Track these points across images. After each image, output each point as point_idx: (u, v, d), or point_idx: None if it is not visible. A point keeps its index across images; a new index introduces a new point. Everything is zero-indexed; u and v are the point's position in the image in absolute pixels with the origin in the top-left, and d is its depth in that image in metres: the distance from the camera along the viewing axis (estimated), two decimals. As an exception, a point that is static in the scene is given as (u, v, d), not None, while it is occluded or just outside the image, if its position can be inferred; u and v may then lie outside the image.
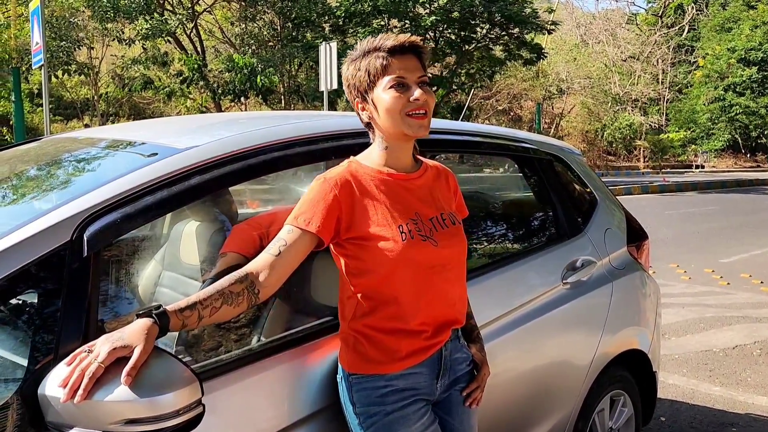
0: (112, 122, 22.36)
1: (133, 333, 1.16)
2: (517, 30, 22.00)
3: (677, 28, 40.25)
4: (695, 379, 4.26)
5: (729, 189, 21.87)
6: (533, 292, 2.23)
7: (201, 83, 18.42)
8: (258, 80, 17.29)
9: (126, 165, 1.52)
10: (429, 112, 1.49)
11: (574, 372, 2.39)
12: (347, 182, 1.48)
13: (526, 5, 21.77)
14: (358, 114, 1.56)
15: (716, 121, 34.22)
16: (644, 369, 2.81)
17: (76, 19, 19.80)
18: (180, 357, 1.20)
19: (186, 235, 2.33)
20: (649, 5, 44.68)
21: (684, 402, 3.89)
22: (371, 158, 1.56)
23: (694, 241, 9.96)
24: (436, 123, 2.35)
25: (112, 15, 17.05)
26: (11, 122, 13.23)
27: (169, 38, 18.63)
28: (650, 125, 34.73)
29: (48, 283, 1.24)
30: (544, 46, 24.35)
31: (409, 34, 1.51)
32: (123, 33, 18.91)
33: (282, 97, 20.68)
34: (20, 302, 1.23)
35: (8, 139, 16.76)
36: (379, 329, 1.49)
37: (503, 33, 22.28)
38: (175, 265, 2.34)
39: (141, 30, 17.67)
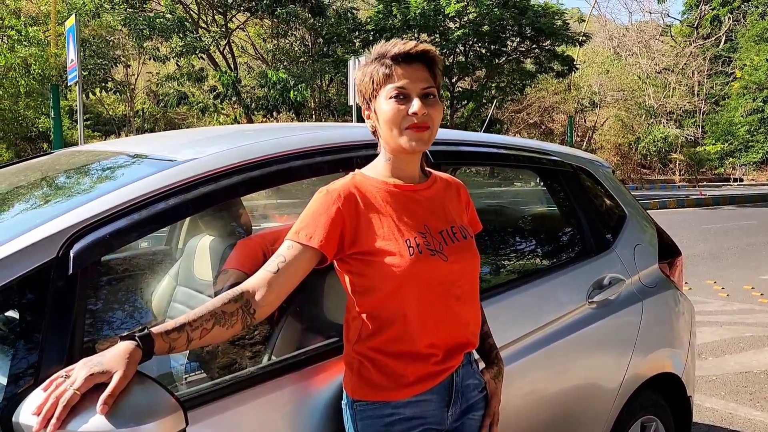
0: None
1: (113, 357, 1.08)
2: (548, 42, 21.82)
3: (713, 39, 39.46)
4: (734, 402, 4.05)
5: (770, 202, 21.20)
6: (557, 311, 2.11)
7: (234, 99, 18.67)
8: (291, 95, 17.44)
9: (122, 178, 1.46)
10: (432, 126, 1.39)
11: (602, 396, 2.25)
12: (351, 195, 1.40)
13: (556, 17, 21.59)
14: (366, 122, 1.48)
15: (755, 133, 33.35)
16: (678, 393, 2.65)
17: (113, 38, 20.29)
18: (164, 383, 1.12)
19: (200, 250, 2.28)
20: (684, 16, 43.94)
21: (722, 427, 3.69)
22: (376, 170, 1.48)
23: (733, 256, 9.61)
24: (458, 135, 2.26)
25: (147, 33, 17.39)
26: (51, 138, 13.53)
27: (203, 55, 18.94)
28: (686, 138, 34.01)
29: (31, 302, 1.18)
30: (575, 59, 24.07)
31: (418, 42, 1.41)
32: (158, 50, 19.31)
33: (313, 112, 20.82)
34: (0, 322, 1.17)
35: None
36: (384, 352, 1.39)
37: (534, 46, 22.12)
38: (189, 280, 2.29)
39: (176, 48, 18.02)
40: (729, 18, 38.84)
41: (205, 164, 1.49)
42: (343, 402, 1.46)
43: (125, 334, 1.13)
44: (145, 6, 18.07)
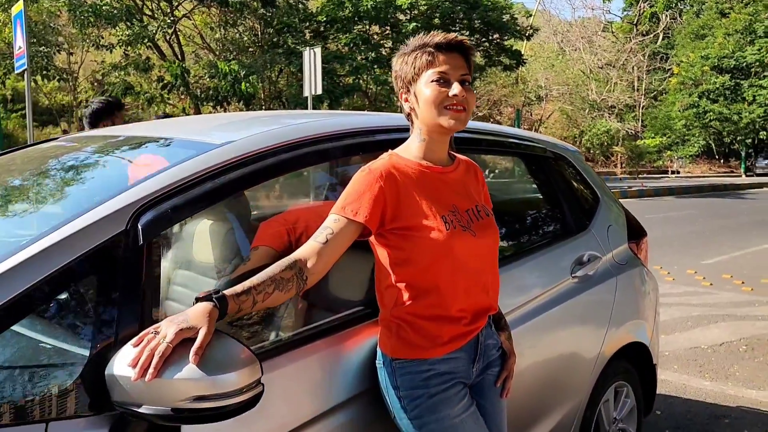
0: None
1: (196, 315, 1.20)
2: (496, 36, 22.27)
3: (652, 35, 40.99)
4: (686, 374, 4.38)
5: (705, 193, 22.31)
6: (546, 284, 2.31)
7: (182, 89, 18.35)
8: (243, 86, 17.27)
9: (169, 159, 1.56)
10: (468, 109, 1.55)
11: (584, 363, 2.47)
12: (391, 174, 1.53)
13: (505, 12, 22.06)
14: (401, 105, 1.62)
15: (691, 127, 34.83)
16: (645, 361, 2.90)
17: (55, 24, 19.61)
18: (240, 339, 1.24)
19: (199, 234, 2.36)
20: (624, 13, 45.43)
21: (677, 396, 4.00)
22: (410, 151, 1.62)
23: (676, 243, 10.16)
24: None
25: (93, 20, 16.89)
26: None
27: (150, 44, 18.52)
28: (627, 131, 35.27)
29: (107, 271, 1.27)
30: (523, 53, 24.66)
31: (457, 34, 1.58)
32: (102, 38, 18.77)
33: (263, 103, 20.66)
34: (82, 289, 1.27)
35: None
36: (421, 316, 1.55)
37: (483, 39, 22.54)
38: (188, 264, 2.37)
39: (122, 36, 17.56)
40: (666, 15, 40.37)
41: (242, 146, 1.60)
42: (379, 362, 1.61)
43: (201, 296, 1.25)
44: (88, -8, 17.52)
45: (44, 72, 19.25)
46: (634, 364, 2.84)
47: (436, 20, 20.56)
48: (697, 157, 38.30)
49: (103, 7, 16.71)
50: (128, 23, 17.16)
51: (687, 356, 4.75)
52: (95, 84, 22.61)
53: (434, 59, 1.53)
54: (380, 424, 1.63)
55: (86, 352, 1.22)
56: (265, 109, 21.23)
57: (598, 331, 2.53)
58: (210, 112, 20.81)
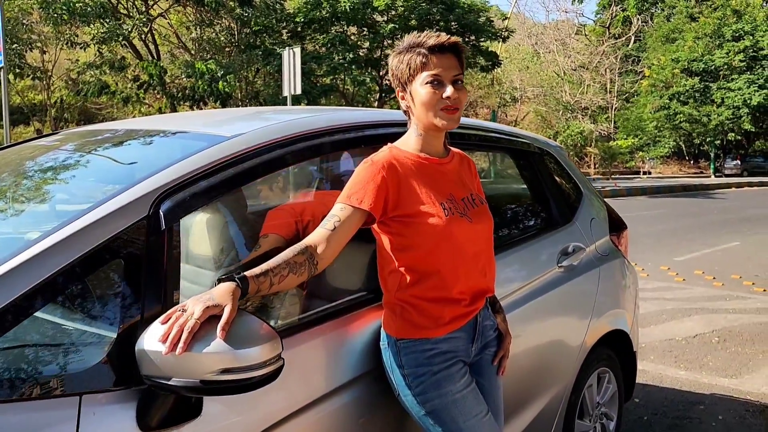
0: (64, 128, 21.79)
1: (221, 294, 1.28)
2: (473, 38, 22.49)
3: (624, 38, 41.70)
4: (662, 364, 4.54)
5: (676, 193, 22.81)
6: (535, 273, 2.42)
7: (159, 89, 18.21)
8: (220, 86, 17.21)
9: (183, 150, 1.63)
10: (460, 108, 1.65)
11: (569, 350, 2.58)
12: (392, 165, 1.63)
13: (482, 14, 22.30)
14: (400, 103, 1.71)
15: (662, 128, 35.53)
16: (626, 348, 3.03)
17: (28, 21, 19.32)
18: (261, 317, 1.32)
19: (196, 227, 2.42)
20: (597, 16, 46.17)
21: (654, 385, 4.15)
22: (408, 144, 1.72)
23: (649, 241, 10.41)
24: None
25: (66, 18, 16.68)
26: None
27: (125, 42, 18.34)
28: (600, 133, 35.82)
29: (131, 254, 1.34)
30: (498, 55, 24.94)
31: (450, 35, 1.65)
32: (77, 36, 18.54)
33: (240, 102, 20.59)
34: (108, 270, 1.33)
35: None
36: (424, 298, 1.65)
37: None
38: (186, 257, 2.43)
39: (96, 34, 17.37)
40: (638, 19, 41.11)
41: (252, 138, 1.68)
42: (383, 343, 1.70)
43: (223, 276, 1.32)
44: (62, -10, 17.27)
45: (17, 70, 18.96)
46: (615, 351, 2.96)
47: (413, 21, 20.69)
48: (667, 158, 39.09)
49: (77, 4, 16.51)
50: (102, 21, 16.96)
51: (663, 347, 4.91)
52: (70, 83, 22.29)
53: (428, 61, 1.61)
54: (384, 402, 1.72)
55: (114, 331, 1.29)
56: (251, 107, 21.15)
57: (582, 319, 2.65)
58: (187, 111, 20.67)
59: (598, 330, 2.74)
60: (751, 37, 33.06)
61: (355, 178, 1.61)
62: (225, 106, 19.25)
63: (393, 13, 20.81)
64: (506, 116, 35.73)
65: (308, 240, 1.51)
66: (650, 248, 9.64)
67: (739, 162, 37.66)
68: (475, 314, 1.73)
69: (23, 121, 24.67)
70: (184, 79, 18.75)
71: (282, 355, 1.54)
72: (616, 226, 3.12)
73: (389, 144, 1.73)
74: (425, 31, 1.68)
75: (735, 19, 34.68)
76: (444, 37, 1.63)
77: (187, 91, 18.39)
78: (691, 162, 42.14)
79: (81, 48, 18.71)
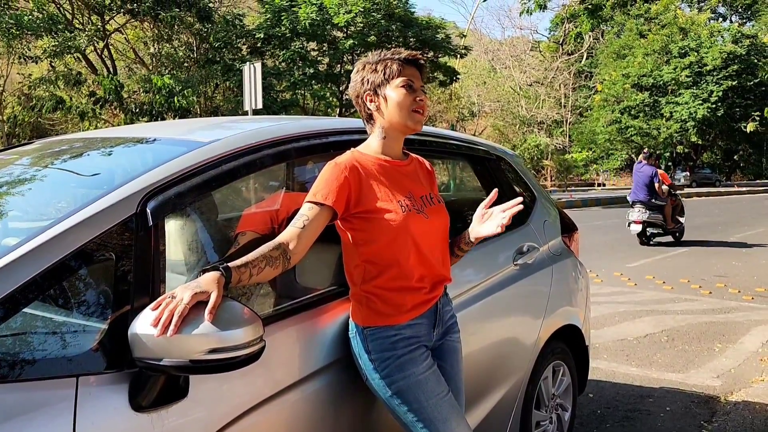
0: (15, 144, 21.27)
1: (207, 281, 1.40)
2: (431, 54, 22.91)
3: (577, 55, 42.98)
4: (615, 362, 4.77)
5: (629, 204, 23.49)
6: (494, 269, 2.59)
7: (115, 104, 18.00)
8: (176, 101, 17.13)
9: (164, 154, 1.74)
10: (425, 113, 1.85)
11: (525, 343, 2.75)
12: (354, 166, 1.79)
13: (439, 31, 22.76)
14: (363, 105, 1.86)
15: (614, 141, 36.64)
16: (578, 342, 3.22)
17: (-23, 36, 18.89)
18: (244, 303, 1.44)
19: (170, 233, 2.53)
20: (551, 33, 47.46)
21: (607, 381, 4.37)
22: (370, 147, 1.89)
23: (603, 249, 10.79)
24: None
25: (15, 32, 16.37)
26: None
27: (79, 56, 18.09)
28: (555, 146, 36.75)
29: (121, 247, 1.45)
30: (457, 70, 25.45)
31: (417, 52, 1.88)
32: (29, 50, 18.21)
33: (200, 117, 20.51)
34: (101, 263, 1.44)
35: None
36: (387, 288, 1.80)
37: (418, 57, 23.11)
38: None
39: (48, 47, 17.09)
40: (590, 36, 42.42)
41: (230, 143, 1.81)
42: (351, 332, 1.84)
43: (208, 267, 1.45)
44: (9, 3, 16.95)
45: (-33, 86, 18.52)
46: (569, 345, 3.15)
47: (372, 38, 20.99)
48: (620, 170, 40.29)
49: (25, 18, 16.24)
50: (53, 34, 16.70)
51: (615, 347, 5.16)
52: (23, 98, 21.84)
53: (402, 69, 1.82)
54: (353, 386, 1.86)
55: (108, 318, 1.40)
56: (221, 117, 21.01)
57: (537, 314, 2.83)
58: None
59: (551, 325, 2.93)
60: (696, 54, 34.46)
61: (320, 177, 1.76)
62: (184, 121, 19.11)
63: (352, 29, 21.08)
64: (465, 130, 36.34)
65: (281, 237, 1.65)
66: (604, 256, 10.00)
67: (688, 173, 39.06)
68: (435, 301, 1.88)
69: (-29, 136, 24.01)
70: (142, 94, 18.60)
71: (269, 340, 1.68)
72: (568, 227, 3.33)
73: (352, 148, 1.89)
74: (392, 49, 1.87)
75: (681, 36, 36.12)
76: (415, 52, 1.86)
77: (144, 107, 18.22)
78: (643, 174, 43.40)
79: (33, 62, 18.38)
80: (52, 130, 25.97)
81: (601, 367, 4.63)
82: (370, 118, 1.88)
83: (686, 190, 31.48)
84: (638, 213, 10.95)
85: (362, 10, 19.96)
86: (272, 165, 1.92)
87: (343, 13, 19.90)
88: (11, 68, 21.62)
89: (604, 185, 38.09)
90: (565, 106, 39.41)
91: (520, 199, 1.95)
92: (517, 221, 2.93)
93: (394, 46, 22.43)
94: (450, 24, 36.16)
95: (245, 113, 13.12)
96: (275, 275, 1.62)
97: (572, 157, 35.06)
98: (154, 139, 2.04)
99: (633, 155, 37.86)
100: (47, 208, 1.79)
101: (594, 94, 39.13)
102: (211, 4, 20.27)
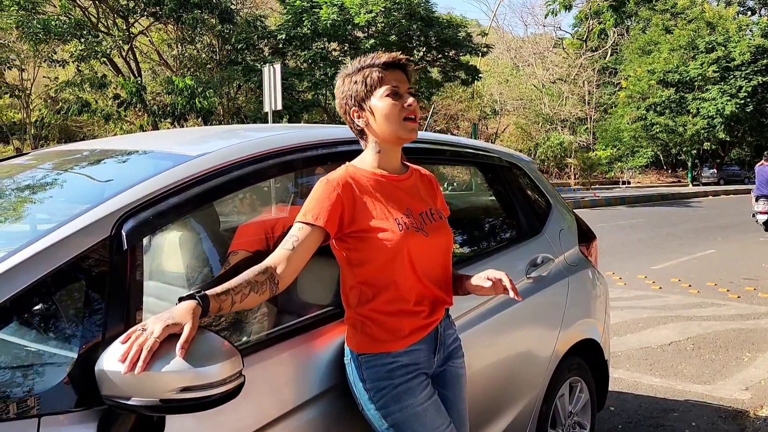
0: (44, 146, 21.60)
1: (181, 312, 1.30)
2: (452, 52, 22.72)
3: (601, 51, 42.35)
4: (637, 372, 4.59)
5: (654, 203, 23.11)
6: (502, 285, 2.45)
7: (139, 106, 18.16)
8: (197, 102, 17.20)
9: (147, 170, 1.65)
10: (417, 118, 1.71)
11: (539, 359, 2.62)
12: (347, 183, 1.67)
13: (460, 29, 22.54)
14: (352, 122, 1.74)
15: (639, 139, 36.05)
16: (597, 357, 3.07)
17: (4, 41, 19.20)
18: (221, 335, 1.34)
19: (168, 245, 2.44)
20: (575, 29, 46.83)
21: (629, 393, 4.20)
22: (366, 162, 1.76)
23: (627, 250, 10.54)
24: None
25: (43, 36, 16.62)
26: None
27: (105, 60, 18.29)
28: (579, 144, 36.28)
29: (93, 274, 1.36)
30: (479, 68, 25.22)
31: (399, 52, 1.73)
32: (56, 54, 18.46)
33: (222, 119, 20.59)
34: (70, 292, 1.35)
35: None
36: (383, 312, 1.67)
37: (439, 55, 22.97)
38: (158, 274, 2.44)
39: (75, 51, 17.31)
40: (614, 32, 41.79)
41: (219, 156, 1.70)
42: (347, 358, 1.72)
43: (185, 295, 1.34)
44: (38, 8, 17.20)
45: (-6, 89, 18.83)
46: (587, 360, 3.01)
47: (393, 37, 20.87)
48: (646, 168, 39.65)
49: (53, 23, 16.46)
50: (79, 39, 16.91)
51: (638, 356, 4.97)
52: (49, 101, 22.15)
53: (384, 76, 1.69)
54: (349, 416, 1.74)
55: (75, 352, 1.30)
56: (224, 125, 21.13)
57: (552, 328, 2.69)
58: (168, 129, 20.62)
59: (568, 339, 2.78)
60: (723, 48, 33.75)
61: (311, 196, 1.65)
62: (206, 122, 19.26)
63: (373, 29, 20.98)
64: (487, 129, 36.07)
65: (269, 260, 1.54)
66: (628, 257, 9.76)
67: (715, 171, 38.30)
68: (435, 325, 1.76)
69: (3, 139, 24.44)
70: (165, 95, 18.73)
71: (250, 370, 1.57)
72: (586, 236, 3.18)
73: (346, 163, 1.77)
74: (371, 54, 1.74)
75: (708, 31, 35.40)
76: (394, 54, 1.71)
77: (167, 108, 18.36)
78: (669, 171, 42.75)
79: (60, 66, 18.63)
80: (80, 132, 26.33)
81: (623, 378, 4.46)
82: (361, 133, 1.76)
83: (713, 188, 30.87)
84: (763, 205, 12.91)
85: (383, 9, 19.84)
86: (267, 179, 1.83)
87: (364, 13, 19.79)
88: (38, 72, 21.95)
89: (629, 183, 37.48)
90: (589, 104, 38.84)
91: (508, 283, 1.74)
92: (531, 231, 2.80)
93: (414, 45, 22.36)
94: (472, 22, 35.89)
95: (266, 114, 13.12)
96: (262, 301, 1.51)
97: (596, 154, 34.53)
98: (144, 152, 1.95)
99: (659, 153, 37.24)
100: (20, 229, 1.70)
101: (618, 90, 38.56)
102: (232, 6, 20.33)
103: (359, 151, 1.80)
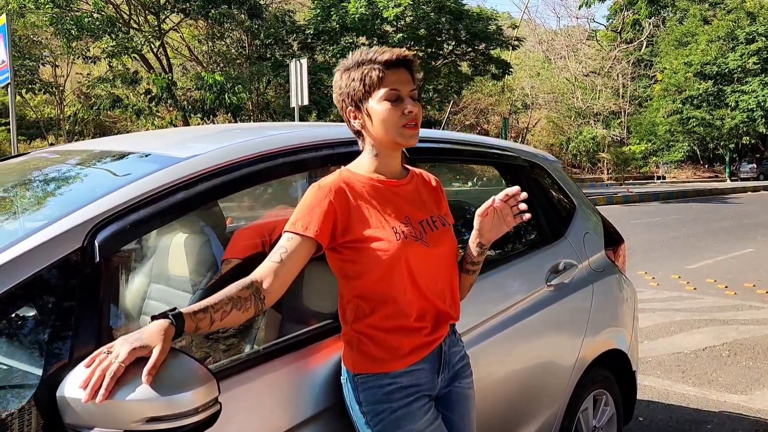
0: (78, 141, 21.96)
1: (151, 334, 1.18)
2: (483, 46, 22.42)
3: (636, 43, 41.43)
4: (669, 380, 4.39)
5: (690, 198, 22.49)
6: (519, 294, 2.30)
7: (170, 101, 18.32)
8: (227, 98, 17.28)
9: (131, 174, 1.54)
10: (418, 123, 1.57)
11: (560, 372, 2.46)
12: (341, 189, 1.53)
13: (491, 22, 22.22)
14: (349, 122, 1.61)
15: (675, 133, 35.20)
16: (624, 368, 2.90)
17: (39, 38, 19.56)
18: (196, 358, 1.22)
19: (174, 248, 2.34)
20: (609, 21, 45.90)
21: (660, 402, 4.00)
22: (362, 166, 1.62)
23: (660, 249, 10.22)
24: (425, 132, 2.42)
25: (76, 33, 16.86)
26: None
27: (136, 56, 18.49)
28: (612, 138, 35.58)
29: (61, 289, 1.25)
30: (509, 62, 24.85)
31: (403, 49, 1.57)
32: (88, 51, 18.73)
33: (251, 114, 20.66)
34: (35, 308, 1.25)
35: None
36: (380, 328, 1.54)
37: (469, 49, 22.69)
38: (163, 278, 2.35)
39: (107, 48, 17.53)
40: (650, 23, 40.85)
41: (209, 159, 1.59)
42: (343, 377, 1.60)
43: (157, 314, 1.23)
44: (72, 5, 17.46)
45: (29, 86, 19.19)
46: (613, 371, 2.83)
47: (422, 31, 20.69)
48: (682, 163, 38.72)
49: (85, 20, 16.67)
50: (111, 35, 17.11)
51: (670, 362, 4.76)
52: (82, 97, 22.50)
53: (384, 76, 1.53)
54: (348, 439, 1.62)
55: (39, 373, 1.20)
56: (253, 120, 21.22)
57: (574, 339, 2.53)
58: (198, 124, 20.79)
59: (592, 350, 2.62)
60: (765, 39, 32.68)
61: (301, 203, 1.52)
62: (236, 117, 19.35)
63: (402, 23, 20.81)
64: (518, 123, 35.61)
65: (254, 274, 1.42)
66: (661, 256, 9.46)
67: (755, 165, 37.20)
68: (438, 343, 1.61)
69: (40, 135, 24.93)
70: (195, 91, 18.87)
71: (236, 391, 1.46)
72: (613, 239, 3.00)
73: (341, 167, 1.64)
74: (373, 48, 1.58)
75: (749, 21, 34.31)
76: (397, 51, 1.55)
77: (197, 104, 18.49)
78: (706, 166, 41.67)
79: (92, 62, 18.90)
80: (114, 127, 26.72)
81: (653, 386, 4.26)
82: (358, 134, 1.62)
83: (752, 183, 29.98)
84: None
85: (411, 3, 19.65)
86: (260, 183, 1.71)
87: (393, 7, 19.63)
88: (72, 68, 22.33)
89: (664, 178, 36.63)
90: (623, 97, 38.02)
91: (517, 188, 1.64)
92: (553, 235, 2.63)
93: (444, 39, 22.12)
94: (503, 15, 35.42)
95: (293, 109, 13.08)
96: (246, 319, 1.39)
97: (630, 149, 33.81)
98: (133, 154, 1.84)
99: (695, 147, 36.34)
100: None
101: (654, 83, 37.70)
102: (261, 1, 20.36)
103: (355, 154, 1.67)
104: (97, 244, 1.30)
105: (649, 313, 6.05)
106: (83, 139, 23.37)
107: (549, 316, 2.40)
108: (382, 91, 1.52)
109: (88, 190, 1.62)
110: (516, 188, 1.64)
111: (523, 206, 1.63)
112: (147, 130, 22.78)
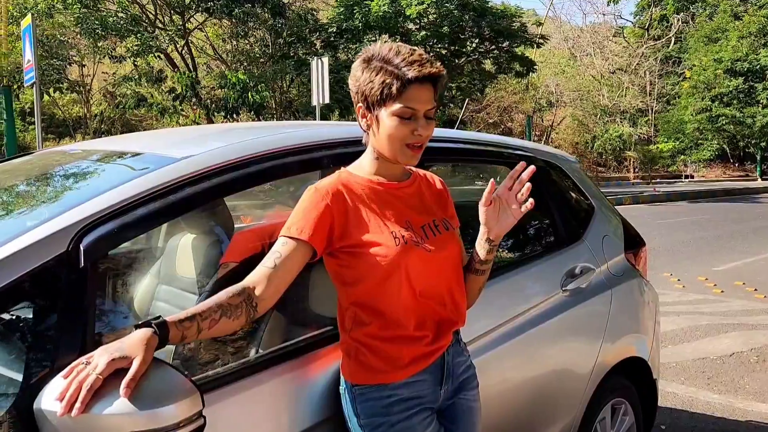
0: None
1: (132, 344, 1.13)
2: (506, 44, 22.20)
3: (664, 40, 40.68)
4: (693, 386, 4.25)
5: (718, 198, 22.00)
6: (533, 300, 2.22)
7: (194, 100, 18.47)
8: (250, 96, 17.36)
9: (121, 176, 1.50)
10: (424, 145, 1.50)
11: (576, 380, 2.37)
12: (339, 192, 1.47)
13: (515, 20, 21.98)
14: (358, 118, 1.54)
15: (704, 131, 34.49)
16: (644, 376, 2.79)
17: (66, 38, 19.85)
18: (180, 368, 1.17)
19: (182, 248, 2.30)
20: (636, 18, 45.17)
21: (683, 410, 3.87)
22: (362, 167, 1.56)
23: (687, 249, 9.99)
24: (437, 132, 2.35)
25: (101, 33, 17.07)
26: (3, 141, 13.21)
27: (161, 55, 18.67)
28: (639, 136, 34.98)
29: (44, 295, 1.21)
30: (533, 60, 24.56)
31: (431, 64, 1.45)
32: (114, 50, 18.96)
33: (274, 112, 20.74)
34: (15, 315, 1.20)
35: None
36: (379, 338, 1.47)
37: (492, 47, 22.49)
38: (171, 279, 2.31)
39: (131, 47, 17.72)
40: (678, 19, 40.10)
41: (204, 160, 1.54)
42: (342, 388, 1.53)
43: (140, 322, 1.18)
44: (99, 5, 17.68)
45: (57, 85, 19.48)
46: (632, 379, 2.73)
47: (445, 29, 20.53)
48: (711, 162, 37.92)
49: (110, 19, 16.86)
50: (136, 35, 17.30)
51: (695, 367, 4.61)
52: (107, 96, 22.79)
53: (405, 90, 1.43)
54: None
55: (19, 383, 1.15)
56: (276, 119, 21.30)
57: (591, 346, 2.44)
58: (221, 122, 20.93)
59: (611, 358, 2.52)
60: (798, 35, 31.87)
61: (297, 206, 1.46)
62: (258, 115, 19.43)
63: (425, 21, 20.70)
64: (542, 121, 35.20)
65: (247, 280, 1.36)
66: (687, 257, 9.24)
67: (788, 165, 36.28)
68: (441, 353, 1.54)
69: (68, 133, 25.32)
70: (218, 89, 19.00)
71: (228, 402, 1.40)
72: (633, 242, 2.89)
73: (341, 168, 1.57)
74: (404, 48, 1.46)
75: (782, 16, 33.48)
76: (426, 68, 1.43)
77: (221, 102, 18.62)
78: (736, 165, 40.75)
79: (117, 61, 19.13)
80: (140, 125, 27.04)
81: (677, 393, 4.12)
82: (367, 128, 1.55)
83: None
84: None
85: (434, 0, 19.52)
86: (257, 184, 1.65)
87: (416, 5, 19.52)
88: (97, 67, 22.61)
89: (692, 177, 35.94)
90: (650, 94, 37.36)
91: (522, 163, 1.53)
92: (570, 238, 2.54)
93: (467, 36, 21.93)
94: (528, 12, 35.05)
95: (314, 108, 13.07)
96: (237, 328, 1.33)
97: (657, 147, 33.23)
98: (127, 154, 1.80)
99: (725, 145, 35.62)
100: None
101: (682, 80, 36.95)
102: (284, 0, 20.40)
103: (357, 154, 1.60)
104: (82, 249, 1.25)
105: (673, 317, 5.90)
106: (107, 136, 23.69)
107: (564, 322, 2.31)
108: (396, 106, 1.44)
109: (76, 192, 1.57)
110: (515, 169, 1.53)
111: (525, 193, 1.52)
112: (172, 127, 23.02)
